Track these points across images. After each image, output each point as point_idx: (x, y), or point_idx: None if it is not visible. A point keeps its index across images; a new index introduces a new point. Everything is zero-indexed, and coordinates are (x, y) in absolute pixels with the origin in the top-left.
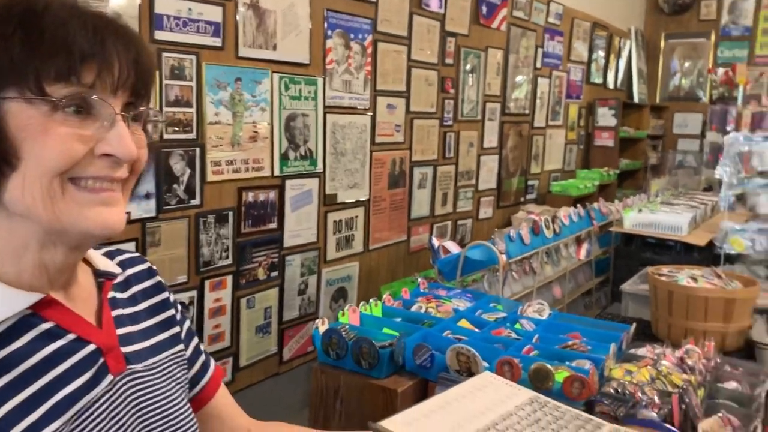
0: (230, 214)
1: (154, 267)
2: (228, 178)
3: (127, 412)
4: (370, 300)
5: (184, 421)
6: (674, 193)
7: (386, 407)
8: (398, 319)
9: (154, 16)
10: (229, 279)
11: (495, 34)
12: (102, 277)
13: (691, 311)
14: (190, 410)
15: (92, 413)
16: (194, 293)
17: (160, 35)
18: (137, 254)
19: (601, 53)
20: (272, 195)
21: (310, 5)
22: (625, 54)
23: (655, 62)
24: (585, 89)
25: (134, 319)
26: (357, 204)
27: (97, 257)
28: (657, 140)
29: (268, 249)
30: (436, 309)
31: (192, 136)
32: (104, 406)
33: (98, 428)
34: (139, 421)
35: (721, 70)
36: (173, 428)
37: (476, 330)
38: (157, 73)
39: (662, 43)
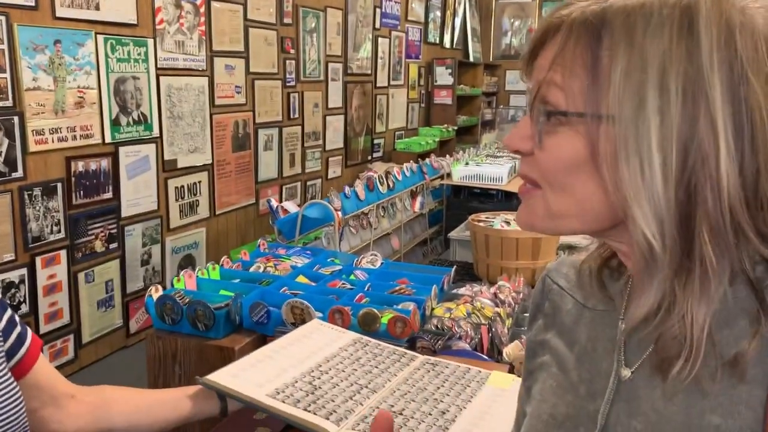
0: (59, 185)
1: None
2: (54, 147)
3: None
4: (208, 264)
5: (5, 391)
6: (500, 146)
7: (225, 365)
8: (236, 281)
9: None
10: (63, 254)
11: None
12: None
13: (505, 251)
14: (12, 380)
15: None
16: (24, 271)
17: None
18: None
19: (438, 13)
20: (105, 163)
21: None
22: (460, 13)
23: (487, 22)
24: (423, 49)
25: None
26: (200, 168)
27: None
28: (491, 97)
29: (105, 220)
30: (274, 268)
31: (8, 103)
32: None
33: None
34: None
35: None
36: None
37: (312, 284)
38: None
39: (493, 4)
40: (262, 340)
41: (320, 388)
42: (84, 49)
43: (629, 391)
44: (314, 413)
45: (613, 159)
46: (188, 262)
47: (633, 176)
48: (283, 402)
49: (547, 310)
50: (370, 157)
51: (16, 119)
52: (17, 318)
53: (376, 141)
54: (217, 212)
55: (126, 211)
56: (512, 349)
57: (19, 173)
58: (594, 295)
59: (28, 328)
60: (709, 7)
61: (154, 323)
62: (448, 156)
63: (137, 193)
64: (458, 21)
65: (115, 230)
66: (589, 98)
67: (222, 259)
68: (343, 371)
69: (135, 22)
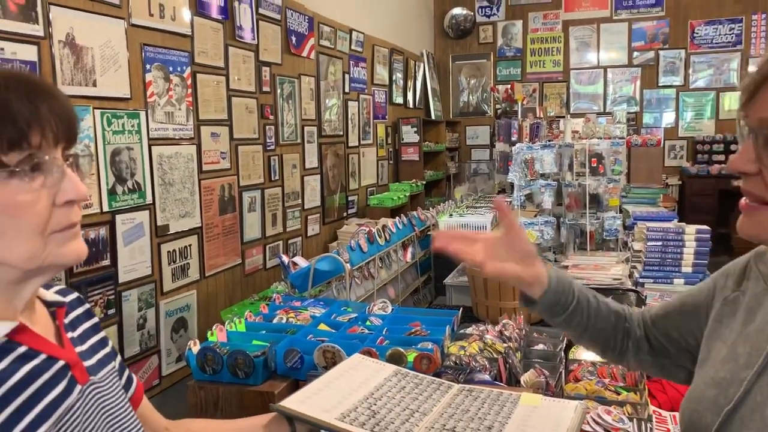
0: None
1: (81, 296)
2: None
3: (97, 416)
4: (234, 318)
5: (134, 423)
6: (475, 197)
7: (265, 409)
8: (263, 332)
9: None
10: None
11: (306, 62)
12: (52, 306)
13: (503, 293)
14: (134, 412)
15: (70, 418)
16: None
17: None
18: (64, 286)
19: (400, 75)
20: (103, 231)
21: (127, 40)
22: (420, 75)
23: (446, 81)
24: (389, 109)
25: (81, 339)
26: (190, 232)
27: (41, 289)
28: (454, 152)
29: (104, 286)
30: (295, 318)
31: None
32: (79, 411)
33: (77, 430)
34: (106, 423)
35: (501, 88)
36: (129, 429)
37: (334, 331)
38: None
39: (450, 65)
40: (295, 384)
41: (378, 412)
42: (83, 123)
43: None
44: None
45: None
46: (181, 325)
47: None
48: (351, 424)
49: (743, 287)
50: (345, 214)
51: None
52: (125, 365)
53: (350, 198)
54: (207, 274)
55: (123, 277)
56: (529, 377)
57: None
58: None
59: (133, 374)
60: None
61: (194, 374)
62: (431, 208)
63: (133, 258)
64: (419, 82)
65: (112, 296)
66: None
67: (245, 313)
68: (393, 398)
69: (129, 96)
